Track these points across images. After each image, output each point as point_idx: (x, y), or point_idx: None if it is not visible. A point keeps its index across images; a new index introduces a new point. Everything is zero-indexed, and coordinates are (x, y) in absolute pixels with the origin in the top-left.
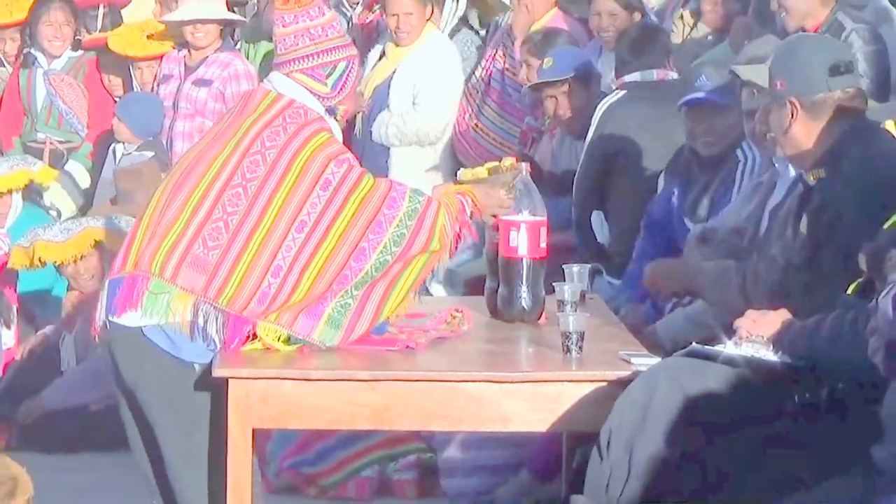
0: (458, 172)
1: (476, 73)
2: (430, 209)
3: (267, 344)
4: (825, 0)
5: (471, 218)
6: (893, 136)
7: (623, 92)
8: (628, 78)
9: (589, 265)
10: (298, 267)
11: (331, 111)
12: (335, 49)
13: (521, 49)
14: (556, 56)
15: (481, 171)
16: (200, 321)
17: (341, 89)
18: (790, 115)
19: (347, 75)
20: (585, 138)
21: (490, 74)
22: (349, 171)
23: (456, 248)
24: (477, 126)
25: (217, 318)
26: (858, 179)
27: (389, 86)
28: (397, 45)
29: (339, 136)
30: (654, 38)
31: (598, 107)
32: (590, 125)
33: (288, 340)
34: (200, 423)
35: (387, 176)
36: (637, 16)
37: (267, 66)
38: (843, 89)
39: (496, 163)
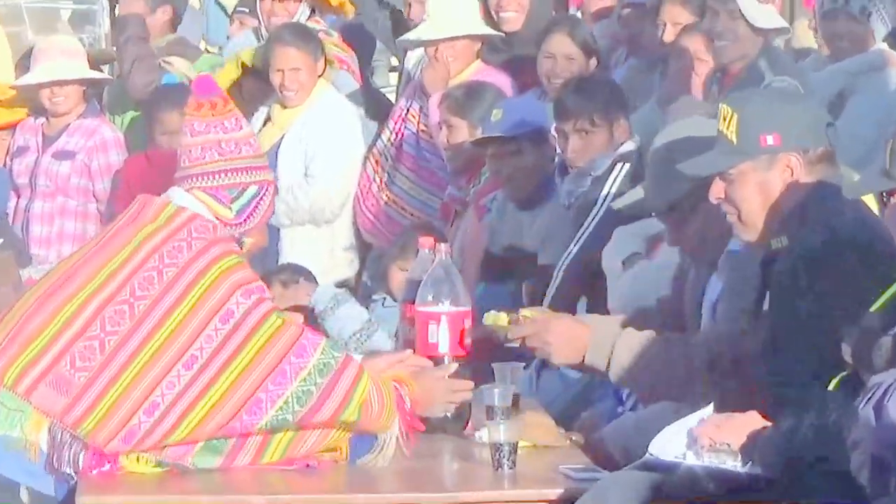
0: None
1: (383, 135)
2: (349, 371)
3: (128, 470)
4: (752, 41)
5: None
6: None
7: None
8: (624, 149)
9: (522, 364)
10: (179, 409)
11: (235, 241)
12: (247, 170)
13: (440, 108)
14: (506, 108)
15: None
16: (46, 446)
17: (248, 217)
18: (784, 173)
19: (258, 203)
20: (533, 209)
21: (402, 137)
22: (257, 304)
23: (411, 432)
24: (388, 198)
25: (72, 447)
26: (833, 245)
27: (277, 155)
28: (284, 106)
29: None
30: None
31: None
32: (540, 194)
33: (157, 465)
34: None
35: (277, 262)
36: (594, 62)
37: (135, 134)
38: (832, 143)
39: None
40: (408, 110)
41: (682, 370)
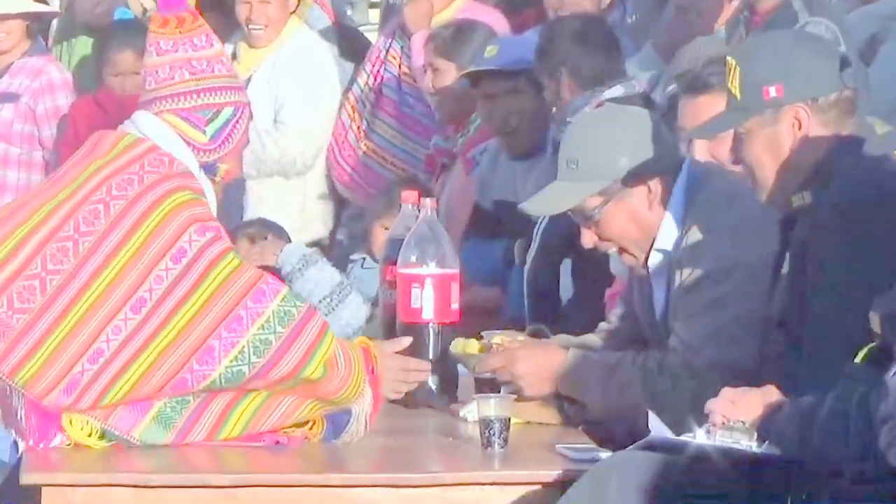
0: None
1: (360, 78)
2: (313, 322)
3: (74, 439)
4: None
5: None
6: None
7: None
8: (608, 94)
9: (517, 332)
10: (126, 355)
11: (208, 168)
12: (221, 90)
13: (425, 49)
14: (502, 44)
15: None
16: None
17: (224, 142)
18: (793, 126)
19: (234, 126)
20: (528, 159)
21: (381, 80)
22: (212, 242)
23: (375, 409)
24: (368, 148)
25: (18, 413)
26: (861, 202)
27: None
28: (251, 45)
29: (213, 203)
30: (604, 34)
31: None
32: (536, 142)
33: (102, 436)
34: None
35: (241, 218)
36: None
37: (83, 73)
38: (850, 87)
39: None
40: (387, 51)
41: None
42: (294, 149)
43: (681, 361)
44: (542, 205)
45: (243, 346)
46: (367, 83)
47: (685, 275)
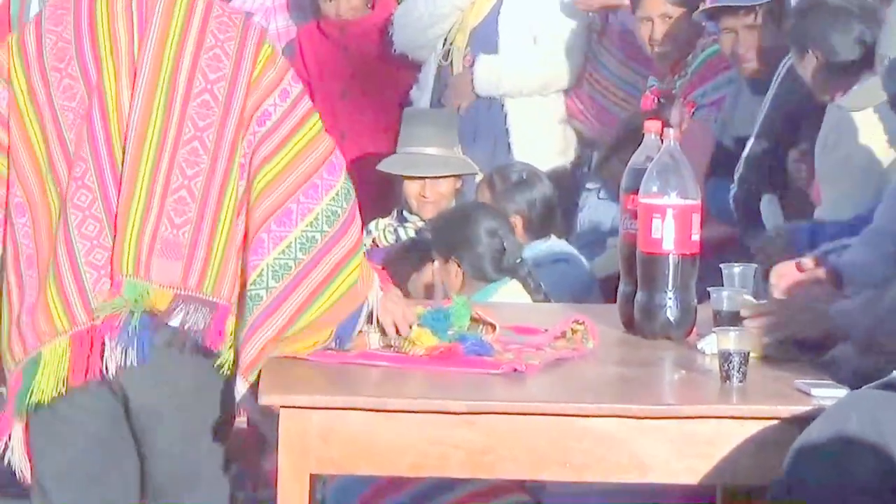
0: None
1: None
2: (357, 218)
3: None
4: None
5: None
6: None
7: None
8: None
9: (756, 265)
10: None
11: None
12: None
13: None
14: None
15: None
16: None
17: None
18: None
19: None
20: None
21: (608, 8)
22: (297, 102)
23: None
24: (591, 77)
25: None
26: None
27: (497, 23)
28: None
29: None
30: None
31: (782, 63)
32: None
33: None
34: None
35: (507, 138)
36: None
37: None
38: None
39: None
40: None
41: None
42: (557, 66)
43: None
44: (857, 100)
45: (318, 213)
46: (595, 11)
47: None
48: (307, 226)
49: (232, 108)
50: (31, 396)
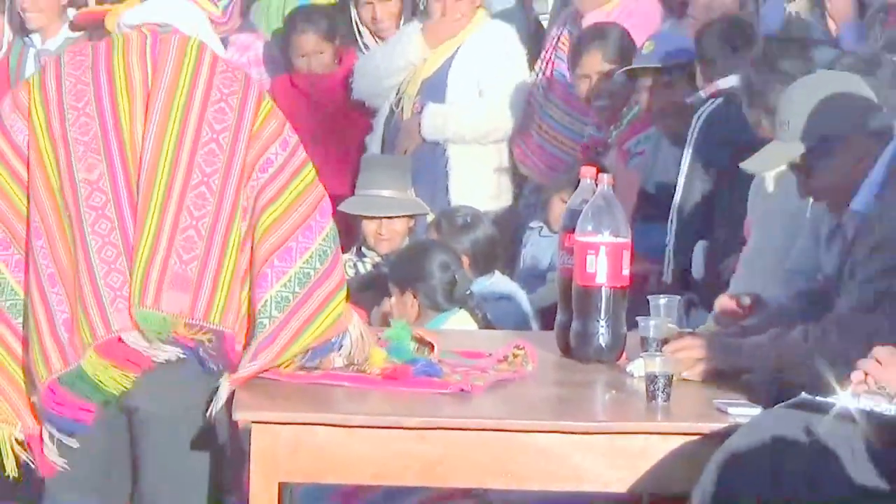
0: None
1: (535, 65)
2: (341, 256)
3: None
4: None
5: None
6: None
7: (719, 100)
8: (723, 84)
9: (679, 297)
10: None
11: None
12: None
13: (591, 59)
14: (657, 41)
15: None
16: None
17: (230, 18)
18: None
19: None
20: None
21: (553, 66)
22: (294, 152)
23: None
24: (539, 128)
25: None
26: None
27: (447, 76)
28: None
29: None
30: (746, 34)
31: (694, 118)
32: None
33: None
34: None
35: (447, 180)
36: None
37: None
38: None
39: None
40: (559, 37)
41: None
42: (498, 118)
43: (849, 316)
44: (759, 163)
45: (313, 252)
46: (541, 68)
47: (868, 239)
48: (304, 262)
49: (235, 156)
50: (97, 391)
